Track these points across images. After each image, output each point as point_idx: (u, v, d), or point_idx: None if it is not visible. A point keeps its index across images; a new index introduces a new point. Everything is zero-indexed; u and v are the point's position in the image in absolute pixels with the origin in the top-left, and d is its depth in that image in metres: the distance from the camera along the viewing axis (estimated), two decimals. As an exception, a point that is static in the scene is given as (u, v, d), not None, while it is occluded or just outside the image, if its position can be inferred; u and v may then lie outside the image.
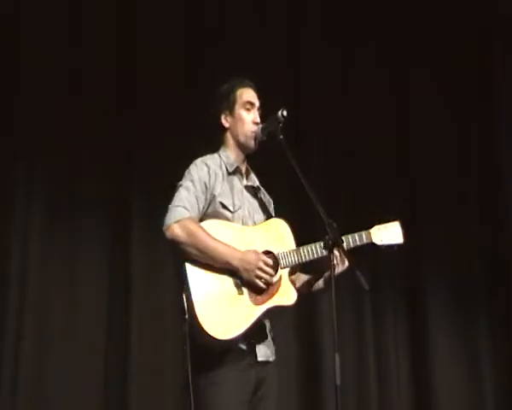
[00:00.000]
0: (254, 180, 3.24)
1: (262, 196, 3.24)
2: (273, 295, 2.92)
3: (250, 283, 2.89)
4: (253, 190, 3.20)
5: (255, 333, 2.93)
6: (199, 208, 2.97)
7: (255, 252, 2.93)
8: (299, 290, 3.06)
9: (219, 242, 2.90)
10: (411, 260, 5.18)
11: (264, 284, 2.90)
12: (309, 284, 3.14)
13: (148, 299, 4.60)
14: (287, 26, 5.30)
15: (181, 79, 4.97)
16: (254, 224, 3.10)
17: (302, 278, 3.16)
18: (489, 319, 5.27)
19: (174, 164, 4.55)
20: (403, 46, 5.51)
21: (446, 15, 5.48)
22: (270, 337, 3.05)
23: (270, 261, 2.93)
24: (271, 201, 3.30)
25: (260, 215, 3.16)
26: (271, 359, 3.03)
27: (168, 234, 2.88)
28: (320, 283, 3.12)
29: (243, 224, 3.05)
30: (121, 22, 4.90)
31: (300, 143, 4.95)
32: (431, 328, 5.16)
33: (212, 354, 2.84)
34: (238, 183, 3.15)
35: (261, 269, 2.89)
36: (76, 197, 4.68)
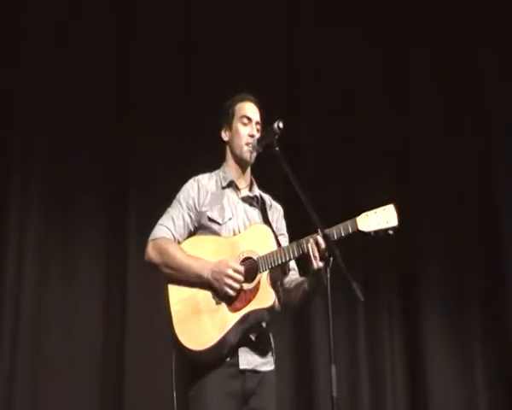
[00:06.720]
0: (255, 191, 3.24)
1: (263, 205, 3.23)
2: (250, 300, 2.91)
3: (223, 292, 2.92)
4: (251, 201, 3.21)
5: (240, 342, 2.94)
6: (184, 225, 3.09)
7: (225, 261, 2.94)
8: (298, 295, 3.04)
9: (191, 257, 2.98)
10: (404, 259, 5.21)
11: (235, 290, 2.90)
12: (302, 285, 3.07)
13: (145, 298, 4.58)
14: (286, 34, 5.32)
15: (181, 83, 4.99)
16: None
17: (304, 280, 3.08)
18: (484, 320, 5.25)
19: (173, 165, 4.65)
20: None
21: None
22: (265, 346, 3.04)
23: (239, 268, 2.93)
24: (280, 209, 3.30)
25: None
26: (263, 369, 3.01)
27: (145, 256, 3.06)
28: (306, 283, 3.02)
29: (234, 234, 3.08)
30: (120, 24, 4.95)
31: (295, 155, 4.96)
32: (426, 334, 5.16)
33: (198, 367, 2.90)
34: (233, 196, 3.18)
35: (229, 276, 2.90)
36: (73, 197, 4.71)
